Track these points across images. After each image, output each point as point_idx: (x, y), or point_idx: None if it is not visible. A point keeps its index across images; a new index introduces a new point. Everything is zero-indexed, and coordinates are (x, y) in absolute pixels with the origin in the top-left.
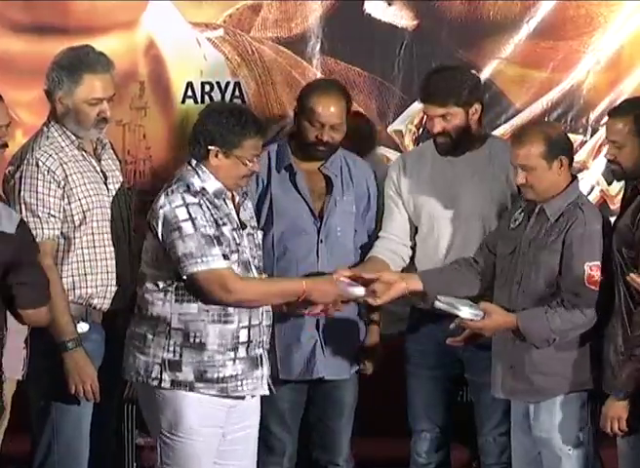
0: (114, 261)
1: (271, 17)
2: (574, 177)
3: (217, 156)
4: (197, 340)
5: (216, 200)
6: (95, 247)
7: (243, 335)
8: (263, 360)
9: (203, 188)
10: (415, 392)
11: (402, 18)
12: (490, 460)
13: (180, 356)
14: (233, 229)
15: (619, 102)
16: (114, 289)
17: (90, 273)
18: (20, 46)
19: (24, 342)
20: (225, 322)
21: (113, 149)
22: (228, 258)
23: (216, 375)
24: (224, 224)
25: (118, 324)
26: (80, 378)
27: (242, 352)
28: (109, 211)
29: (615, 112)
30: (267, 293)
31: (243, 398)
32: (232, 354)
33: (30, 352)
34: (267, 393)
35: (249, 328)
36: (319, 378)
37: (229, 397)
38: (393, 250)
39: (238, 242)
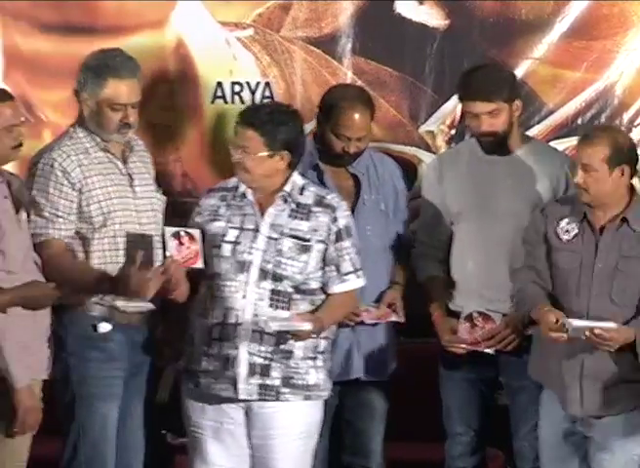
0: None
1: (301, 16)
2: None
3: None
4: (190, 332)
5: None
6: (117, 249)
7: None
8: (237, 362)
9: None
10: (449, 395)
11: (433, 17)
12: (525, 465)
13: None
14: None
15: None
16: None
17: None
18: (49, 46)
19: (47, 342)
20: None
21: (146, 151)
22: None
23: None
24: None
25: (148, 326)
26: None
27: (214, 349)
28: (135, 213)
29: None
30: None
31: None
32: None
33: (55, 352)
34: (236, 396)
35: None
36: (356, 379)
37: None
38: (439, 258)
39: None
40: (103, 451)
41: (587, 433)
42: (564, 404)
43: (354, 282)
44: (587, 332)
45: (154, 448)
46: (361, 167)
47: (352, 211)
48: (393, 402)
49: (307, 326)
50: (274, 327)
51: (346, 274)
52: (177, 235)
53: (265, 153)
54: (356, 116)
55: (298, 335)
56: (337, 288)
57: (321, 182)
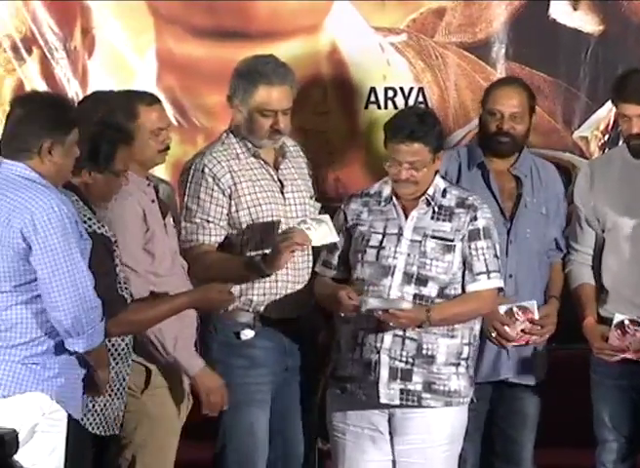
0: (285, 270)
1: (455, 21)
2: None
3: None
4: (337, 339)
5: None
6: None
7: (359, 338)
8: (379, 366)
9: None
10: (600, 401)
11: (587, 23)
12: None
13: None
14: None
15: None
16: (284, 297)
17: (257, 280)
18: (203, 51)
19: (195, 346)
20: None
21: (305, 157)
22: None
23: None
24: None
25: (299, 331)
26: None
27: (357, 354)
28: (283, 219)
29: None
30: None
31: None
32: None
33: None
34: (378, 401)
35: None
36: (507, 383)
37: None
38: (590, 264)
39: None
40: (250, 458)
41: None
42: None
43: (484, 282)
44: None
45: (306, 454)
46: (524, 168)
47: (514, 213)
48: (544, 407)
49: (406, 304)
50: (372, 303)
51: (478, 274)
52: None
53: (431, 160)
54: (508, 91)
55: (396, 317)
56: (469, 287)
57: (486, 182)
